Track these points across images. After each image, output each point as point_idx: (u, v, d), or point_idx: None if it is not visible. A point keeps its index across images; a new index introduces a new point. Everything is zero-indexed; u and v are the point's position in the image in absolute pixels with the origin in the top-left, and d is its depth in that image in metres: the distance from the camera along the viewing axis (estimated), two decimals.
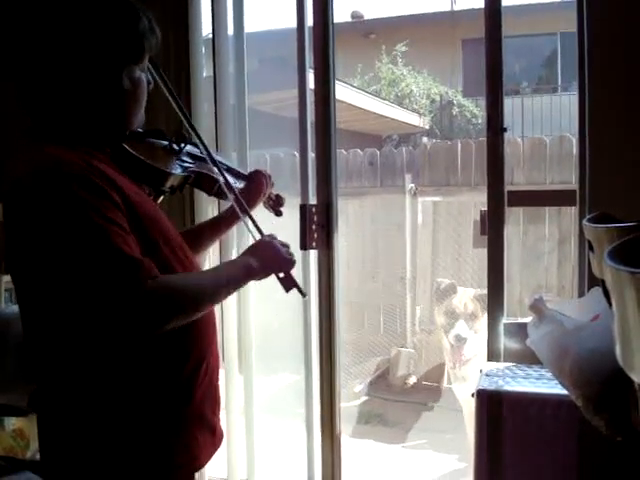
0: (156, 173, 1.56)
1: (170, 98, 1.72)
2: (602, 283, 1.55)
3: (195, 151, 1.78)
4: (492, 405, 2.28)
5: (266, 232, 1.73)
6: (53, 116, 1.41)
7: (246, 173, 1.99)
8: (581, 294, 2.55)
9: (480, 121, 10.73)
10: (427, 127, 10.82)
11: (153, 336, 1.33)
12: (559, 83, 11.58)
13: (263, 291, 3.19)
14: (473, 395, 2.33)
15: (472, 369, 3.49)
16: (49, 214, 1.27)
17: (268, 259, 1.61)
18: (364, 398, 5.37)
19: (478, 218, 2.80)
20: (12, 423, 2.79)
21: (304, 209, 2.83)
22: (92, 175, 1.30)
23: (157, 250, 1.42)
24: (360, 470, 3.64)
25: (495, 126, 2.60)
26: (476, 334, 3.78)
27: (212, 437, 1.58)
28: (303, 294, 1.69)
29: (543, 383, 2.33)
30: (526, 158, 5.15)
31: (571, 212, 4.80)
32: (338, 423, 3.04)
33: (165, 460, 1.46)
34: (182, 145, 1.71)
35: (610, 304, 1.51)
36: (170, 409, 1.46)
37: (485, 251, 2.76)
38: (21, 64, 1.39)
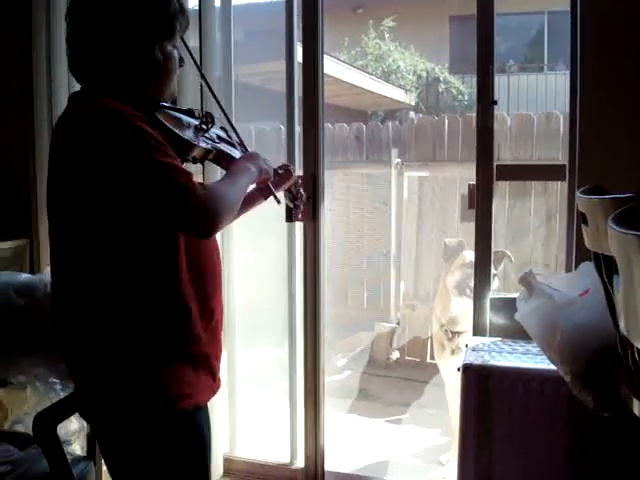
0: (182, 142, 1.70)
1: (202, 82, 1.95)
2: (594, 256, 1.53)
3: (221, 133, 1.90)
4: (478, 380, 2.27)
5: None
6: (102, 78, 1.61)
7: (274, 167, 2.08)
8: (568, 269, 2.54)
9: (466, 98, 10.69)
10: (413, 103, 10.76)
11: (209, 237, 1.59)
12: (545, 62, 11.55)
13: (248, 264, 3.17)
14: (459, 369, 2.32)
15: (460, 342, 3.48)
16: (115, 141, 1.48)
17: (260, 166, 1.79)
18: (347, 372, 5.36)
19: (464, 193, 2.79)
20: None
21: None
22: (140, 121, 1.53)
23: None
24: (342, 443, 3.64)
25: (485, 98, 2.58)
26: None
27: (212, 381, 1.72)
28: (278, 201, 1.90)
29: (529, 358, 2.33)
30: (513, 134, 5.13)
31: (557, 189, 4.80)
32: (322, 396, 3.03)
33: (170, 391, 1.59)
34: (209, 126, 1.83)
35: (602, 277, 1.49)
36: (178, 345, 1.60)
37: (471, 226, 2.74)
38: (80, 34, 1.62)
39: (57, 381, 2.24)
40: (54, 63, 3.07)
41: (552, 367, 1.94)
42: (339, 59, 8.77)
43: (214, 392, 1.75)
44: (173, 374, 1.60)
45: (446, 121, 5.53)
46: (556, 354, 1.81)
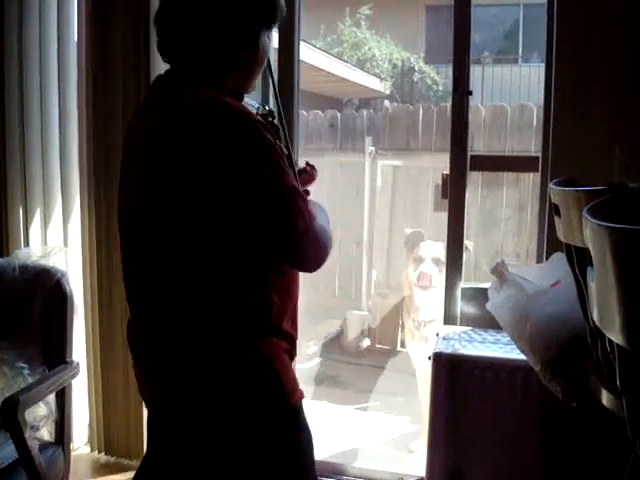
0: None
1: (270, 77, 1.79)
2: (566, 248, 1.54)
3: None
4: (449, 368, 2.28)
5: None
6: (198, 62, 1.50)
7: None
8: (539, 260, 2.56)
9: (441, 88, 10.70)
10: (388, 92, 10.75)
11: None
12: (520, 54, 11.60)
13: None
14: (430, 358, 2.33)
15: (430, 331, 3.50)
16: (246, 148, 1.39)
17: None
18: (318, 360, 5.37)
19: (438, 183, 2.80)
20: None
21: None
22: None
23: None
24: (313, 430, 3.64)
25: (461, 89, 2.58)
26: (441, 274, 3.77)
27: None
28: None
29: (499, 347, 2.35)
30: (487, 125, 5.15)
31: (529, 180, 4.83)
32: None
33: (287, 385, 1.55)
34: (269, 119, 1.72)
35: (573, 269, 1.51)
36: (287, 339, 1.57)
37: (443, 216, 2.75)
38: (183, 14, 1.49)
39: (25, 366, 2.21)
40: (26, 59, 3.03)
41: (522, 357, 1.96)
42: (315, 46, 8.74)
43: None
44: (286, 368, 1.55)
45: (420, 110, 5.53)
46: (526, 344, 1.83)
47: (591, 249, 0.85)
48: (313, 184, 1.96)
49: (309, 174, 1.93)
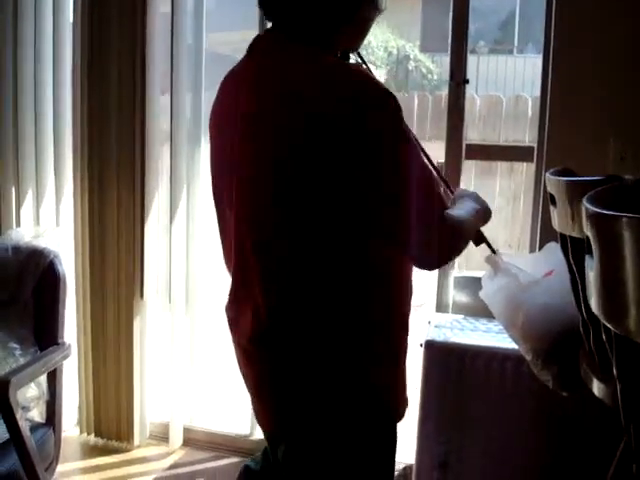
0: None
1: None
2: (561, 238, 1.54)
3: None
4: (440, 356, 2.29)
5: None
6: (310, 27, 1.37)
7: None
8: (532, 250, 2.57)
9: (435, 77, 10.69)
10: (382, 80, 10.74)
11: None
12: (515, 44, 11.60)
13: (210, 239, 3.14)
14: (421, 345, 2.34)
15: (420, 318, 3.51)
16: (392, 128, 1.29)
17: (487, 208, 1.63)
18: None
19: None
20: None
21: None
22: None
23: None
24: None
25: (458, 77, 2.58)
26: None
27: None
28: (493, 250, 1.74)
29: (491, 336, 2.36)
30: (482, 115, 5.15)
31: (522, 170, 4.84)
32: None
33: (394, 398, 1.49)
34: None
35: (568, 259, 1.51)
36: (399, 347, 1.49)
37: None
38: None
39: (17, 346, 2.21)
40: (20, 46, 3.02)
41: (514, 346, 1.97)
42: None
43: None
44: (398, 379, 1.50)
45: (415, 99, 5.53)
46: (518, 333, 1.83)
47: (591, 238, 0.85)
48: None
49: None
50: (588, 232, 0.88)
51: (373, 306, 1.40)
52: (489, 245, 1.74)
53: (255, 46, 1.44)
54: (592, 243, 0.86)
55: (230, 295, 1.53)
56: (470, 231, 1.50)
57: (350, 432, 1.43)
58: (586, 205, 0.88)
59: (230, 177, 1.42)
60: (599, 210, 0.83)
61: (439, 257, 1.36)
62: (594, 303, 0.89)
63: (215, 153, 1.53)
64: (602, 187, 1.05)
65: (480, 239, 1.70)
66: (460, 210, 1.50)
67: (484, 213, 1.61)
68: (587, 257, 0.91)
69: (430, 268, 1.40)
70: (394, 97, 1.29)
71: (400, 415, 1.53)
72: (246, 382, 1.54)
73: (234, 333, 1.54)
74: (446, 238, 1.34)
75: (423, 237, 1.30)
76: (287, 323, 1.38)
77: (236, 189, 1.41)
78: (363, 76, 1.30)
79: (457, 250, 1.43)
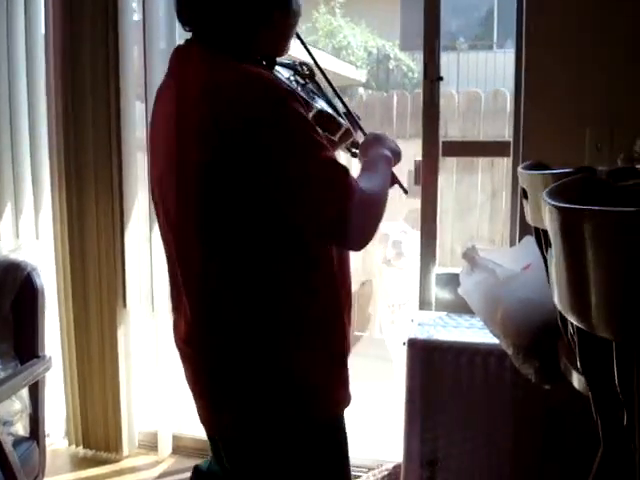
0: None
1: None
2: (535, 231, 1.55)
3: (314, 89, 1.73)
4: (423, 354, 2.29)
5: None
6: (223, 31, 1.40)
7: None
8: (512, 244, 2.58)
9: (416, 75, 10.71)
10: (364, 80, 10.74)
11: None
12: (495, 40, 11.63)
13: None
14: (404, 344, 2.33)
15: (404, 317, 3.53)
16: (277, 123, 1.29)
17: (395, 150, 1.65)
18: None
19: (411, 169, 2.80)
20: None
21: None
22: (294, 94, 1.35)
23: None
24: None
25: (432, 74, 2.58)
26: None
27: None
28: (405, 190, 1.72)
29: (473, 332, 2.36)
30: (461, 111, 5.16)
31: (503, 166, 4.85)
32: None
33: (328, 397, 1.50)
34: (306, 80, 1.69)
35: (542, 252, 1.51)
36: (331, 344, 1.48)
37: (417, 203, 2.76)
38: None
39: None
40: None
41: (496, 341, 1.97)
42: None
43: None
44: (334, 375, 1.51)
45: (395, 98, 5.53)
46: (498, 328, 1.84)
47: (549, 230, 0.85)
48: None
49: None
50: (547, 225, 0.88)
51: (294, 307, 1.42)
52: (401, 186, 1.72)
53: (172, 59, 1.48)
54: (550, 236, 0.86)
55: (171, 299, 1.59)
56: (382, 193, 1.47)
57: (280, 431, 1.45)
58: (545, 197, 0.88)
59: (160, 190, 1.48)
60: (554, 202, 0.83)
61: (359, 236, 1.37)
62: (556, 296, 0.89)
63: (150, 165, 1.59)
64: (567, 179, 1.05)
65: (392, 181, 1.65)
66: (369, 177, 1.49)
67: (394, 157, 1.62)
68: (549, 250, 0.91)
69: (357, 248, 1.42)
70: (291, 98, 1.32)
71: (334, 412, 1.53)
72: (187, 382, 1.57)
73: (174, 335, 1.59)
74: (360, 216, 1.33)
75: (339, 224, 1.31)
76: (210, 327, 1.43)
77: (162, 203, 1.48)
78: (259, 83, 1.32)
79: (373, 221, 1.41)
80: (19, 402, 2.25)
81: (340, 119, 1.63)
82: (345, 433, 1.58)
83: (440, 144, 2.63)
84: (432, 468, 2.33)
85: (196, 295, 1.45)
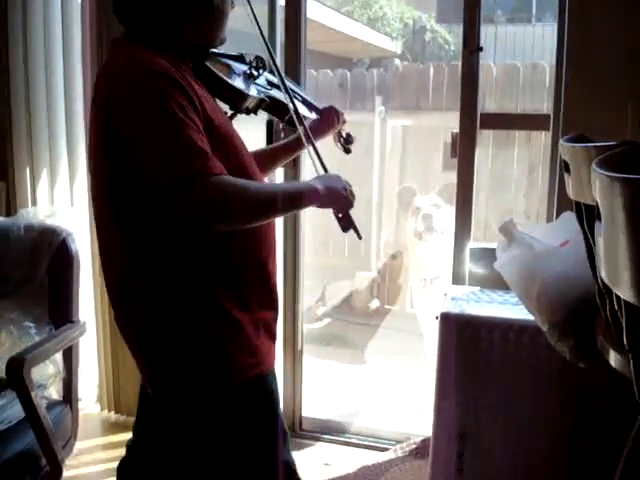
0: (233, 92, 1.66)
1: (254, 23, 1.74)
2: (576, 206, 1.51)
3: (272, 79, 1.83)
4: (456, 328, 2.27)
5: None
6: (148, 22, 1.53)
7: (320, 107, 2.11)
8: (549, 220, 2.54)
9: (452, 48, 10.57)
10: (399, 52, 10.62)
11: (206, 229, 1.45)
12: (533, 13, 11.43)
13: None
14: (437, 318, 2.31)
15: (437, 290, 3.50)
16: (139, 100, 1.41)
17: (334, 191, 1.64)
18: (327, 320, 5.39)
19: (448, 141, 2.76)
20: None
21: (270, 125, 2.76)
22: (179, 77, 1.43)
23: (227, 162, 1.46)
24: (320, 390, 3.67)
25: (471, 45, 2.53)
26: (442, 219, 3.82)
27: (272, 343, 1.66)
28: (359, 236, 1.74)
29: (507, 308, 2.33)
30: (498, 84, 5.06)
31: (540, 140, 4.77)
32: (300, 341, 3.05)
33: (229, 362, 1.55)
34: (260, 71, 1.77)
35: (583, 227, 1.48)
36: (230, 313, 1.53)
37: (453, 176, 2.72)
38: None
39: (31, 325, 2.22)
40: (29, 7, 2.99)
41: (530, 317, 1.94)
42: (325, 4, 8.61)
43: (275, 357, 1.69)
44: (237, 342, 1.56)
45: (431, 69, 5.45)
46: (534, 304, 1.81)
47: (599, 202, 0.82)
48: (336, 127, 2.05)
49: (326, 117, 1.99)
50: (596, 196, 0.85)
51: (204, 275, 1.51)
52: (355, 230, 1.73)
53: (109, 48, 1.63)
54: (600, 207, 0.83)
55: None
56: (256, 198, 1.47)
57: (201, 395, 1.55)
58: (594, 167, 0.85)
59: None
60: (606, 172, 0.80)
61: (194, 217, 1.39)
62: (603, 269, 0.87)
63: None
64: (613, 151, 1.02)
65: (347, 225, 1.70)
66: (265, 184, 1.62)
67: (325, 196, 1.61)
68: (596, 222, 0.88)
69: (191, 225, 1.43)
70: (163, 80, 1.41)
71: (251, 375, 1.57)
72: None
73: None
74: (202, 198, 1.37)
75: (170, 196, 1.36)
76: (122, 296, 1.58)
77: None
78: (136, 67, 1.44)
79: (217, 210, 1.41)
80: (53, 366, 2.28)
81: (289, 104, 1.76)
82: (270, 394, 1.64)
83: (478, 117, 2.59)
84: (462, 442, 2.32)
85: (108, 265, 1.60)
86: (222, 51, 1.75)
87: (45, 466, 2.01)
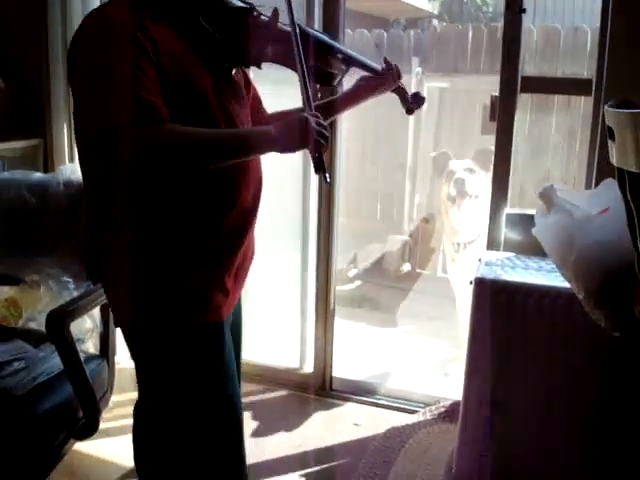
0: (231, 45, 1.59)
1: None
2: (618, 172, 1.49)
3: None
4: (490, 294, 2.26)
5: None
6: None
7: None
8: (588, 187, 2.50)
9: (491, 9, 10.37)
10: (436, 12, 10.44)
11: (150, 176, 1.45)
12: None
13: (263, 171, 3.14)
14: (471, 283, 2.31)
15: (471, 254, 3.49)
16: (87, 51, 1.45)
17: (292, 133, 1.56)
18: (358, 282, 5.40)
19: (487, 104, 2.72)
20: (5, 292, 2.78)
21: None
22: (134, 29, 1.43)
23: (190, 117, 1.47)
24: (350, 351, 3.69)
25: (514, 5, 2.48)
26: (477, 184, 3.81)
27: (226, 300, 1.67)
28: (326, 181, 1.65)
29: (542, 274, 2.32)
30: (538, 47, 4.96)
31: (580, 106, 4.68)
32: (332, 302, 3.06)
33: (204, 303, 1.61)
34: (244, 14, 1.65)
35: (625, 195, 1.46)
36: (211, 255, 1.60)
37: (490, 140, 2.69)
38: None
39: (70, 280, 2.25)
40: None
41: (566, 284, 1.93)
42: None
43: (228, 310, 1.71)
44: (212, 283, 1.61)
45: (470, 31, 5.35)
46: (571, 271, 1.79)
47: None
48: (387, 85, 1.96)
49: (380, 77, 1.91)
50: None
51: (171, 219, 1.54)
52: (323, 171, 1.62)
53: None
54: None
55: None
56: (196, 145, 1.47)
57: (162, 329, 1.62)
58: None
59: None
60: None
61: (132, 158, 1.39)
62: None
63: None
64: None
65: (316, 166, 1.60)
66: (212, 132, 1.52)
67: (280, 143, 1.56)
68: None
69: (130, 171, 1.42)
70: (104, 28, 1.44)
71: (211, 318, 1.63)
72: None
73: None
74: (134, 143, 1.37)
75: (101, 142, 1.37)
76: (95, 233, 1.62)
77: None
78: (93, 16, 1.50)
79: (145, 156, 1.40)
80: (90, 321, 2.32)
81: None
82: (223, 342, 1.67)
83: (519, 80, 2.54)
84: (492, 408, 2.33)
85: (88, 206, 1.64)
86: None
87: (82, 418, 2.05)
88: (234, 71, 1.69)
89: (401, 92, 2.09)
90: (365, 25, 6.59)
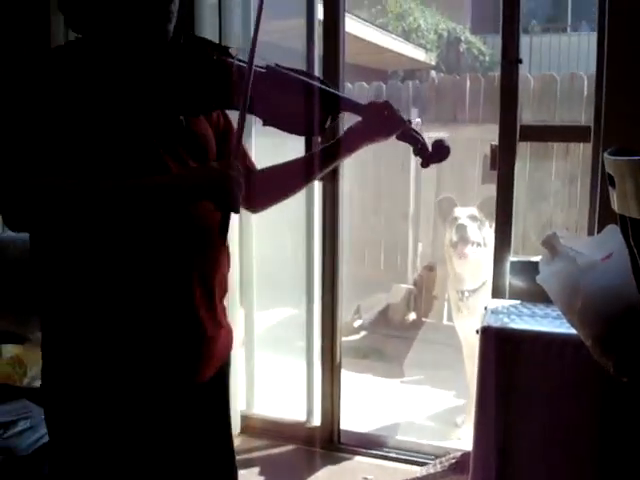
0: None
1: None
2: (620, 219, 1.50)
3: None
4: (497, 342, 2.25)
5: None
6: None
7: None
8: (590, 233, 2.51)
9: (487, 59, 10.53)
10: (433, 63, 10.61)
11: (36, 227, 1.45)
12: (569, 22, 11.35)
13: (266, 223, 3.16)
14: (478, 332, 2.30)
15: (476, 303, 3.48)
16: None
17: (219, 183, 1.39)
18: (363, 333, 5.37)
19: (486, 154, 2.75)
20: (9, 350, 2.77)
21: (309, 140, 2.78)
22: (49, 72, 1.40)
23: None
24: (358, 403, 3.66)
25: (511, 55, 2.51)
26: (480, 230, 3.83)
27: None
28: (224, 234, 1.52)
29: (549, 322, 2.31)
30: (536, 95, 5.03)
31: (579, 152, 4.73)
32: (338, 354, 3.04)
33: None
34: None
35: (628, 241, 1.46)
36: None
37: (491, 189, 2.71)
38: None
39: None
40: None
41: (572, 331, 1.92)
42: (359, 17, 8.63)
43: None
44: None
45: (467, 81, 5.43)
46: (577, 318, 1.79)
47: None
48: (384, 132, 1.63)
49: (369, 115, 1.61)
50: None
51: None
52: (224, 227, 1.48)
53: None
54: None
55: None
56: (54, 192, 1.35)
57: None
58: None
59: None
60: None
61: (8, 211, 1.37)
62: None
63: None
64: None
65: (223, 226, 1.47)
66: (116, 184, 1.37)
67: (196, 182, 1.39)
68: None
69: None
70: (21, 73, 1.42)
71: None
72: None
73: None
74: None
75: None
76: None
77: None
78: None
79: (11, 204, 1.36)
80: None
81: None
82: None
83: (518, 129, 2.57)
84: (502, 456, 2.30)
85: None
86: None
87: None
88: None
89: (410, 139, 1.70)
90: (363, 77, 6.68)
